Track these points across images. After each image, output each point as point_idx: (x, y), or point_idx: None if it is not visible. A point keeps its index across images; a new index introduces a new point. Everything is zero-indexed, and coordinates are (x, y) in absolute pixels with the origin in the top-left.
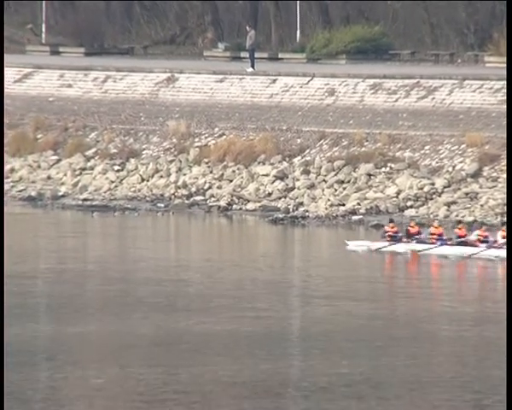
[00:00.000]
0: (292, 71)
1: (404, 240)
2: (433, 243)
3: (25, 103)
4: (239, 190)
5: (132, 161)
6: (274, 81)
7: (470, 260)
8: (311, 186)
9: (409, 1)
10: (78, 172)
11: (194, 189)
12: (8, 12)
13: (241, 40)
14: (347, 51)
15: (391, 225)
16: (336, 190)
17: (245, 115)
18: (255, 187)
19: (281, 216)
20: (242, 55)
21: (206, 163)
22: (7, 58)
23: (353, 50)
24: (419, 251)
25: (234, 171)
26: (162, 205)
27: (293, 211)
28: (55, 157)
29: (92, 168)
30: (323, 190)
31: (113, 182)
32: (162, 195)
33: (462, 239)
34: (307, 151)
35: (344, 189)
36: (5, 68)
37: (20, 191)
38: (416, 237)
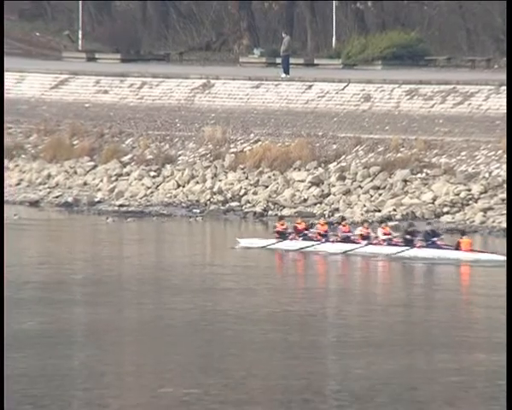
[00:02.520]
0: (327, 77)
1: (291, 237)
2: (318, 240)
3: (61, 110)
4: (275, 196)
5: (168, 166)
6: (310, 87)
7: (352, 256)
8: (347, 192)
9: (445, 6)
10: (114, 178)
11: (229, 195)
12: (45, 18)
13: (276, 46)
14: (383, 57)
15: (281, 222)
16: (372, 196)
17: (280, 121)
18: (291, 193)
19: (316, 222)
20: (278, 61)
21: (242, 169)
22: (44, 64)
23: (389, 56)
24: (303, 248)
25: (269, 177)
26: (198, 211)
27: (329, 217)
28: (92, 163)
29: (128, 174)
30: (359, 196)
31: (149, 188)
32: (198, 201)
33: (346, 236)
34: (343, 157)
35: (380, 195)
36: (42, 75)
37: (57, 197)
38: (303, 234)
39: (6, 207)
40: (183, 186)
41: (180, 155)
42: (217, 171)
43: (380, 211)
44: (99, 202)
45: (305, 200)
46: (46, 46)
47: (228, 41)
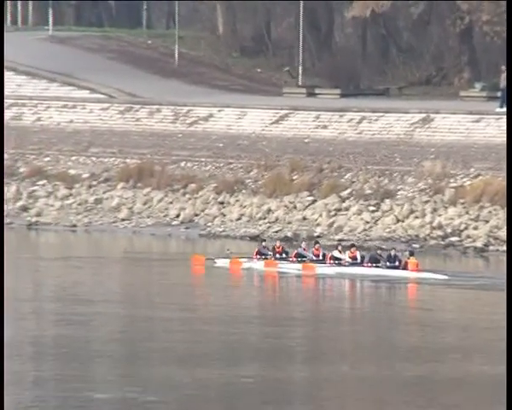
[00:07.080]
0: None
1: (270, 258)
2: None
3: (281, 145)
4: (496, 231)
5: (387, 201)
6: None
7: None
8: None
9: None
10: (333, 213)
11: (449, 230)
12: (266, 55)
13: (498, 80)
14: None
15: (263, 244)
16: None
17: (502, 155)
18: None
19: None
20: (499, 94)
21: (462, 204)
22: (265, 100)
23: None
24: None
25: (490, 211)
26: (417, 246)
27: None
28: (311, 198)
29: (347, 209)
30: None
31: (367, 222)
32: (417, 235)
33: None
34: None
35: None
36: (263, 110)
37: (277, 232)
38: (281, 255)
39: (227, 242)
40: (403, 221)
41: (399, 190)
42: (436, 205)
43: None
44: (318, 236)
45: None
46: (267, 82)
47: (448, 75)
